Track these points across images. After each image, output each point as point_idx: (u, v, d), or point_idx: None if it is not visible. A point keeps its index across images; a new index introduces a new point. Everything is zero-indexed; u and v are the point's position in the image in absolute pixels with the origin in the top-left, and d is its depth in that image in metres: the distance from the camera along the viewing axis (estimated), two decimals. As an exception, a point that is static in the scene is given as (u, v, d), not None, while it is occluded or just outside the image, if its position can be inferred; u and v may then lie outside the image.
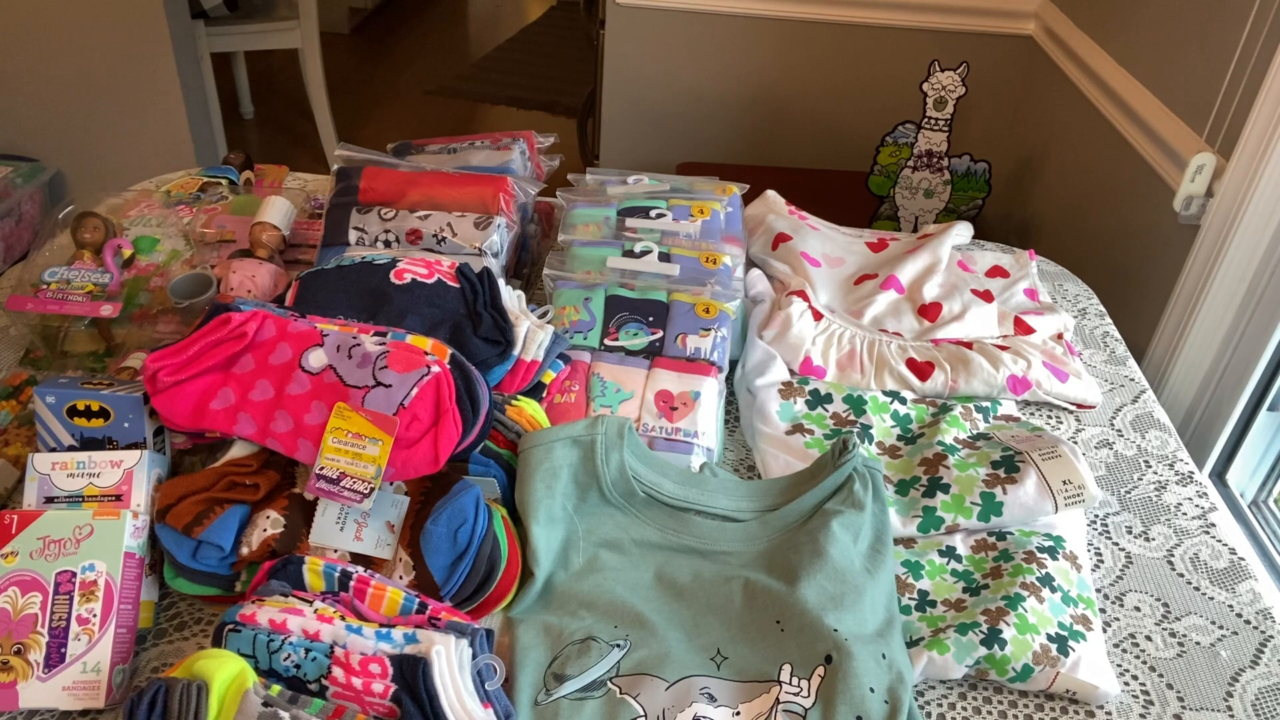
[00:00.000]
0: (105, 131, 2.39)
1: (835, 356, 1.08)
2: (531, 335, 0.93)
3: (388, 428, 0.76)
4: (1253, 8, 1.27)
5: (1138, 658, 0.81)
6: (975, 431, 0.99)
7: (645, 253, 1.07)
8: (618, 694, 0.71)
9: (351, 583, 0.71)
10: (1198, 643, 0.83)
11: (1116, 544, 0.92)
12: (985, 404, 1.04)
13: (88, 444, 0.81)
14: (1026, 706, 0.77)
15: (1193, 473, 1.01)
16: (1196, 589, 0.88)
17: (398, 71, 3.82)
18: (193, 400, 0.80)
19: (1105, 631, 0.83)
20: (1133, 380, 1.15)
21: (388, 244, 1.06)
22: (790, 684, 0.71)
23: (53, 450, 0.80)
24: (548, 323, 0.97)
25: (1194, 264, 1.30)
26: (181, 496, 0.77)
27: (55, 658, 0.70)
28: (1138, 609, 0.86)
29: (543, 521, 0.80)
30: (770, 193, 1.32)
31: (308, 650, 0.65)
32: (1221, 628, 0.84)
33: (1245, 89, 1.26)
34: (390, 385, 0.77)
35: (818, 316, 1.10)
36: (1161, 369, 1.36)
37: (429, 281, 0.93)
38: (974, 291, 1.16)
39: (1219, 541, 0.92)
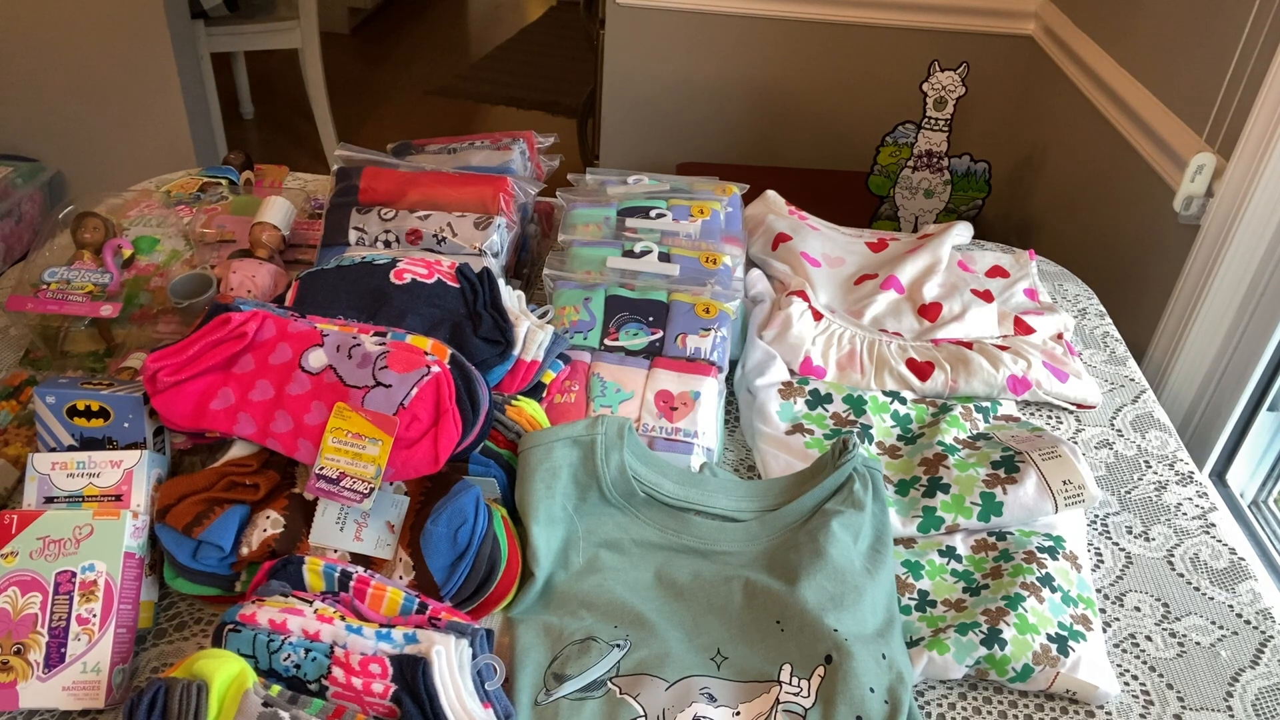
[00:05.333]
0: (105, 131, 2.39)
1: (835, 356, 1.08)
2: (531, 335, 0.93)
3: (388, 428, 0.76)
4: (1253, 8, 1.27)
5: (1138, 658, 0.81)
6: (975, 431, 0.99)
7: (645, 253, 1.07)
8: (618, 694, 0.71)
9: (351, 583, 0.71)
10: (1198, 643, 0.83)
11: (1116, 544, 0.92)
12: (985, 404, 1.04)
13: (88, 444, 0.81)
14: (1026, 706, 0.77)
15: (1193, 473, 1.01)
16: (1196, 589, 0.88)
17: (398, 71, 3.82)
18: (193, 400, 0.80)
19: (1105, 631, 0.83)
20: (1133, 380, 1.15)
21: (388, 244, 1.06)
22: (790, 684, 0.71)
23: (53, 450, 0.80)
24: (548, 323, 0.97)
25: (1194, 264, 1.30)
26: (181, 496, 0.77)
27: (55, 658, 0.70)
28: (1138, 609, 0.86)
29: (543, 521, 0.80)
30: (770, 193, 1.32)
31: (308, 650, 0.65)
32: (1221, 628, 0.84)
33: (1245, 89, 1.26)
34: (390, 385, 0.77)
35: (818, 316, 1.10)
36: (1161, 369, 1.36)
37: (429, 281, 0.93)
38: (974, 291, 1.16)
39: (1219, 541, 0.92)
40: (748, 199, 1.25)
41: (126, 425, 0.81)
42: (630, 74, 2.17)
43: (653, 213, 1.13)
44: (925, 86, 1.80)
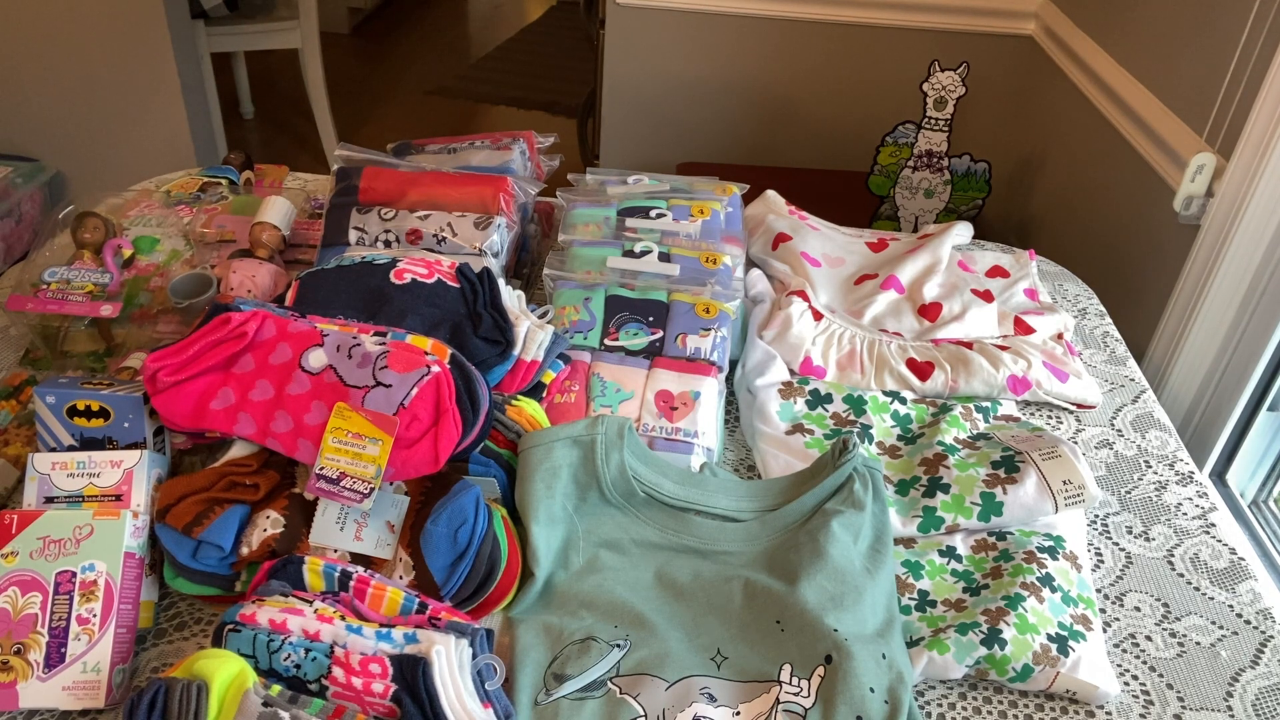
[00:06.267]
0: (105, 131, 2.39)
1: (835, 356, 1.08)
2: (531, 335, 0.93)
3: (388, 428, 0.76)
4: (1253, 8, 1.27)
5: (1138, 658, 0.81)
6: (975, 431, 0.99)
7: (645, 253, 1.07)
8: (618, 694, 0.71)
9: (351, 583, 0.71)
10: (1198, 643, 0.83)
11: (1116, 544, 0.92)
12: (985, 404, 1.03)
13: (88, 444, 0.81)
14: (1026, 706, 0.77)
15: (1193, 473, 1.01)
16: (1196, 589, 0.88)
17: (398, 71, 3.82)
18: (193, 400, 0.80)
19: (1105, 631, 0.83)
20: (1133, 380, 1.15)
21: (388, 244, 1.06)
22: (790, 684, 0.71)
23: (53, 450, 0.80)
24: (548, 323, 0.97)
25: (1194, 264, 1.30)
26: (181, 496, 0.77)
27: (55, 658, 0.70)
28: (1138, 609, 0.86)
29: (543, 521, 0.80)
30: (770, 193, 1.32)
31: (308, 650, 0.65)
32: (1221, 628, 0.84)
33: (1245, 89, 1.26)
34: (390, 385, 0.77)
35: (818, 316, 1.10)
36: (1161, 369, 1.36)
37: (429, 281, 0.93)
38: (974, 291, 1.16)
39: (1219, 541, 0.92)
40: (748, 199, 1.25)
41: (126, 425, 0.81)
42: (630, 74, 2.17)
43: (653, 213, 1.13)
44: (925, 86, 1.80)
